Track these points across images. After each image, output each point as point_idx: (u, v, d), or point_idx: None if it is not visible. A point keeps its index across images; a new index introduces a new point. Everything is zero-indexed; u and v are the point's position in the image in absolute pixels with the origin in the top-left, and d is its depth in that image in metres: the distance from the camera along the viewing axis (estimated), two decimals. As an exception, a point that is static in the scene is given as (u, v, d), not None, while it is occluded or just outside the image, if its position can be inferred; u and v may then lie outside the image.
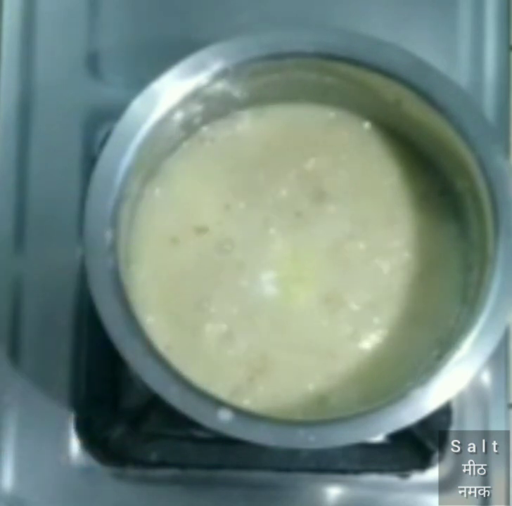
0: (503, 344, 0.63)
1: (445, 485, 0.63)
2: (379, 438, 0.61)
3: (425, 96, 0.55)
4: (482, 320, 0.53)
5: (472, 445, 0.63)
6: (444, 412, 0.61)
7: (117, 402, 0.62)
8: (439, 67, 0.55)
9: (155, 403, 0.53)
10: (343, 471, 0.61)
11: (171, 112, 0.55)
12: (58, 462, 0.63)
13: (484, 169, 0.54)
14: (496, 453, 0.63)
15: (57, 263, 0.64)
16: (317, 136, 0.61)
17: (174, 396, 0.51)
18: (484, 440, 0.63)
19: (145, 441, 0.61)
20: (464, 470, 0.63)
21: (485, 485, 0.63)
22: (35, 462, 0.63)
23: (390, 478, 0.63)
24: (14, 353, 0.63)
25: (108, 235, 0.53)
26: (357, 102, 0.59)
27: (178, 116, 0.56)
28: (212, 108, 0.58)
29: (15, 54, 0.66)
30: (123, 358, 0.51)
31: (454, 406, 0.62)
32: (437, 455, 0.61)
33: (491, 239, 0.54)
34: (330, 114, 0.60)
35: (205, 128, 0.60)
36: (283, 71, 0.56)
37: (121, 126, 0.54)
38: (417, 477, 0.63)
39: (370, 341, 0.58)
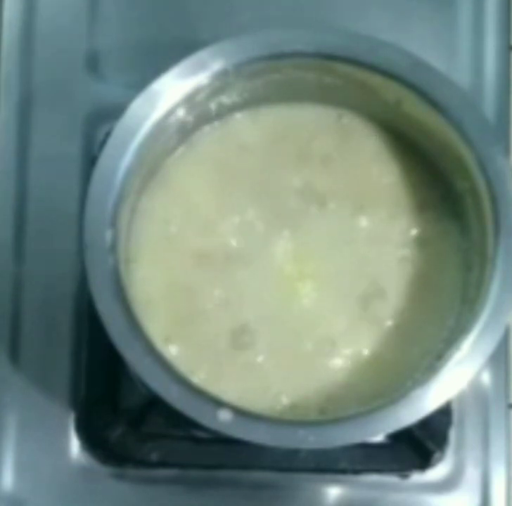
0: (503, 343, 0.63)
1: (445, 485, 0.64)
2: (379, 438, 0.61)
3: (425, 96, 0.55)
4: (482, 320, 0.53)
5: (472, 445, 0.63)
6: (444, 412, 0.61)
7: (117, 402, 0.62)
8: (439, 67, 0.55)
9: (155, 403, 0.53)
10: (343, 471, 0.61)
11: (171, 112, 0.55)
12: (58, 462, 0.63)
13: (484, 169, 0.54)
14: (496, 453, 0.63)
15: (57, 263, 0.64)
16: (317, 136, 0.61)
17: (174, 396, 0.51)
18: (484, 441, 0.63)
19: (145, 441, 0.61)
20: (464, 470, 0.64)
21: (485, 485, 0.63)
22: (35, 462, 0.63)
23: (390, 478, 0.63)
24: (14, 353, 0.63)
25: (108, 235, 0.53)
26: (357, 102, 0.59)
27: (179, 116, 0.56)
28: (212, 108, 0.58)
29: (15, 54, 0.66)
30: (123, 358, 0.51)
31: (454, 406, 0.62)
32: (437, 455, 0.61)
33: (491, 239, 0.54)
34: (330, 114, 0.60)
35: (205, 129, 0.60)
36: (283, 71, 0.56)
37: (121, 126, 0.54)
38: (417, 477, 0.63)
39: (370, 341, 0.58)
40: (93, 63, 0.66)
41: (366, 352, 0.58)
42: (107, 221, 0.53)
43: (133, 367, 0.51)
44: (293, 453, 0.60)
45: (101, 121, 0.65)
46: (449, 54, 0.67)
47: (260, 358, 0.58)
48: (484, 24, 0.68)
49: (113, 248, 0.53)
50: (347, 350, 0.58)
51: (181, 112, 0.56)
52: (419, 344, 0.58)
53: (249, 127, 0.61)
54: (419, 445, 0.61)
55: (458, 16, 0.68)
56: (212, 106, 0.58)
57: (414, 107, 0.56)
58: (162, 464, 0.61)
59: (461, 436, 0.63)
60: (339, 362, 0.58)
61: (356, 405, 0.55)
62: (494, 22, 0.68)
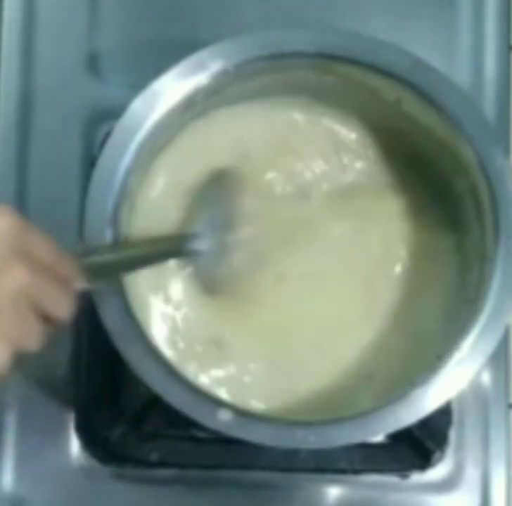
0: (503, 343, 0.63)
1: (445, 485, 0.63)
2: (379, 438, 0.61)
3: (425, 96, 0.55)
4: (482, 320, 0.53)
5: (472, 445, 0.63)
6: (444, 412, 0.61)
7: (117, 402, 0.62)
8: (439, 67, 0.55)
9: (155, 403, 0.53)
10: (343, 471, 0.61)
11: (171, 112, 0.55)
12: (58, 462, 0.63)
13: (484, 169, 0.54)
14: (496, 453, 0.63)
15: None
16: (317, 137, 0.61)
17: (174, 397, 0.51)
18: (484, 441, 0.63)
19: (145, 441, 0.61)
20: (464, 470, 0.64)
21: (485, 485, 0.63)
22: (35, 462, 0.63)
23: (390, 478, 0.63)
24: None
25: (108, 234, 0.53)
26: (357, 102, 0.59)
27: (178, 116, 0.56)
28: (212, 108, 0.58)
29: (15, 54, 0.66)
30: (123, 359, 0.51)
31: (454, 406, 0.62)
32: (437, 455, 0.61)
33: (491, 239, 0.54)
34: (330, 114, 0.60)
35: (205, 129, 0.60)
36: (283, 71, 0.56)
37: (121, 126, 0.54)
38: (417, 477, 0.63)
39: (370, 342, 0.58)
40: (93, 63, 0.66)
41: (365, 354, 0.58)
42: (107, 221, 0.53)
43: (133, 368, 0.51)
44: (293, 453, 0.60)
45: (101, 121, 0.65)
46: (449, 54, 0.67)
47: (259, 358, 0.58)
48: (484, 25, 0.68)
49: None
50: (346, 351, 0.58)
51: (180, 112, 0.56)
52: (419, 344, 0.58)
53: (249, 127, 0.60)
54: (419, 445, 0.61)
55: (458, 16, 0.68)
56: (212, 106, 0.58)
57: (414, 107, 0.56)
58: (162, 464, 0.61)
59: (461, 436, 0.63)
60: (338, 364, 0.58)
61: (356, 406, 0.55)
62: (494, 23, 0.68)
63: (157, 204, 0.59)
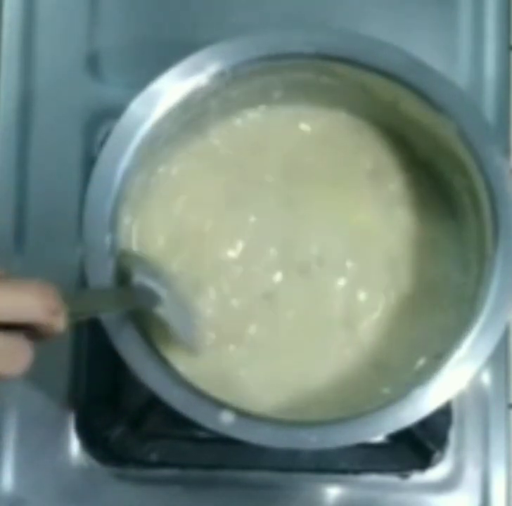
0: (503, 343, 0.63)
1: (445, 485, 0.64)
2: (379, 438, 0.61)
3: (425, 96, 0.55)
4: (482, 320, 0.53)
5: (472, 445, 0.63)
6: (444, 412, 0.61)
7: (117, 402, 0.62)
8: (439, 67, 0.55)
9: (155, 403, 0.53)
10: (343, 471, 0.61)
11: (170, 112, 0.55)
12: (58, 462, 0.63)
13: (483, 169, 0.54)
14: (496, 453, 0.63)
15: (57, 263, 0.64)
16: (315, 137, 0.61)
17: (176, 399, 0.51)
18: (484, 441, 0.63)
19: (145, 441, 0.61)
20: (464, 470, 0.64)
21: (485, 485, 0.63)
22: (35, 462, 0.63)
23: (390, 478, 0.63)
24: (14, 353, 0.63)
25: (108, 238, 0.53)
26: (356, 103, 0.59)
27: (178, 116, 0.56)
28: (211, 109, 0.58)
29: (15, 54, 0.66)
30: (124, 361, 0.51)
31: (454, 406, 0.62)
32: (437, 455, 0.62)
33: (489, 238, 0.54)
34: (329, 114, 0.60)
35: (204, 129, 0.60)
36: (281, 71, 0.56)
37: (121, 126, 0.54)
38: (417, 477, 0.63)
39: (369, 342, 0.58)
40: (93, 63, 0.66)
41: (364, 353, 0.58)
42: (107, 224, 0.53)
43: (134, 371, 0.51)
44: (294, 454, 0.60)
45: (101, 121, 0.65)
46: (449, 54, 0.67)
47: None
48: (484, 25, 0.68)
49: (113, 251, 0.53)
50: (346, 351, 0.58)
51: (180, 113, 0.56)
52: (418, 343, 0.58)
53: (247, 128, 0.60)
54: (419, 445, 0.61)
55: (458, 17, 0.68)
56: (211, 107, 0.58)
57: (413, 107, 0.56)
58: (162, 464, 0.61)
59: (461, 436, 0.63)
60: (338, 364, 0.58)
61: (356, 406, 0.55)
62: (494, 23, 0.68)
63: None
